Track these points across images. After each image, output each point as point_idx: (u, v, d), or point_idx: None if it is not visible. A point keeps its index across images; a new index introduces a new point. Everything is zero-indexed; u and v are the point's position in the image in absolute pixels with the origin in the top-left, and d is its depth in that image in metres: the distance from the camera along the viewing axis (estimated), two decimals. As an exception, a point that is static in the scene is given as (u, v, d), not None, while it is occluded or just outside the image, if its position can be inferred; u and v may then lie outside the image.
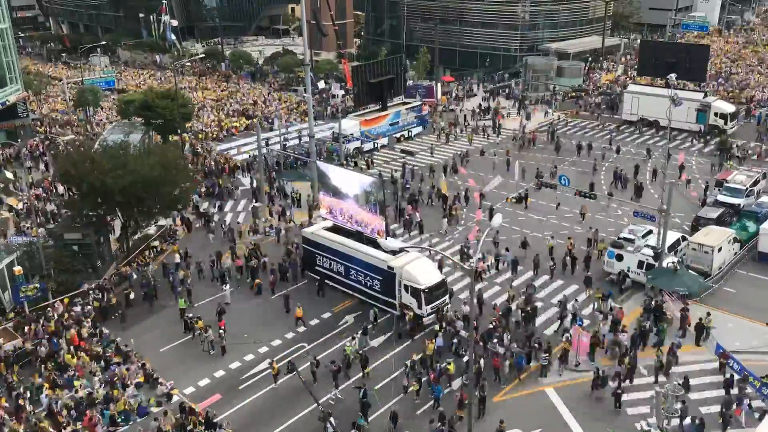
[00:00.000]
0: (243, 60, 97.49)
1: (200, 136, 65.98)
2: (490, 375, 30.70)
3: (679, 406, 24.39)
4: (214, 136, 67.13)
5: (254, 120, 68.31)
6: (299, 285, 39.66)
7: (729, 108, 62.77)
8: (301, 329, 35.21)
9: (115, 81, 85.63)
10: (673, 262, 36.42)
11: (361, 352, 32.17)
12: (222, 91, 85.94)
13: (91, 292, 37.90)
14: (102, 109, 77.35)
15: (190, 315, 35.65)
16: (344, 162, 55.86)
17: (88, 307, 36.68)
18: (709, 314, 33.87)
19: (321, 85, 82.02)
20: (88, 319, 35.59)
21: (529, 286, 37.62)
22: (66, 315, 35.68)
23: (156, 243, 44.45)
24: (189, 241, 45.31)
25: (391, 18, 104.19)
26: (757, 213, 43.15)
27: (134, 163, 39.88)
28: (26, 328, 34.24)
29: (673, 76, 47.04)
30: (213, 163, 58.05)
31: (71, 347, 33.20)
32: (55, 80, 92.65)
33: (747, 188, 46.57)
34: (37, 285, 35.20)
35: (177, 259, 41.49)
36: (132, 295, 37.85)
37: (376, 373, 31.66)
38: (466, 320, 33.41)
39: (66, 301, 36.72)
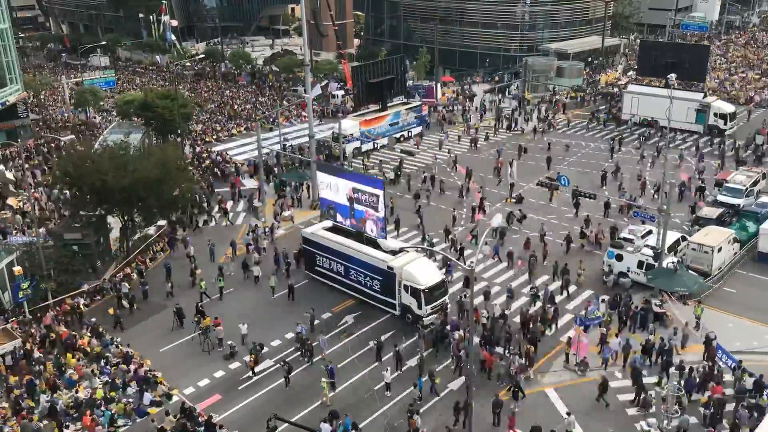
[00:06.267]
0: (243, 60, 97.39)
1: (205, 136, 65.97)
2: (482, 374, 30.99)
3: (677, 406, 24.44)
4: (215, 137, 67.24)
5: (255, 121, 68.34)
6: (299, 285, 39.72)
7: (729, 108, 62.78)
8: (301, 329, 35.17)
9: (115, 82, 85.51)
10: (672, 263, 36.43)
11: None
12: (213, 102, 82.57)
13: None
14: (103, 111, 77.26)
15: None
16: (344, 163, 55.93)
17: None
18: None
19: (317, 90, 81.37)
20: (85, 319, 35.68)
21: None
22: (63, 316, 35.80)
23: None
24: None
25: (391, 18, 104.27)
26: (757, 213, 43.17)
27: (134, 163, 39.91)
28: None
29: (673, 76, 47.11)
30: (212, 164, 58.11)
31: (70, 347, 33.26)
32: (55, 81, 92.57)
33: (747, 188, 46.58)
34: (29, 282, 35.02)
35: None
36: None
37: (376, 372, 31.74)
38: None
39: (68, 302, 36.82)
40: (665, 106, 56.53)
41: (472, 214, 47.58)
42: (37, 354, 32.90)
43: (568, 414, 27.80)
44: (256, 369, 32.14)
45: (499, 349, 32.61)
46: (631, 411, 28.90)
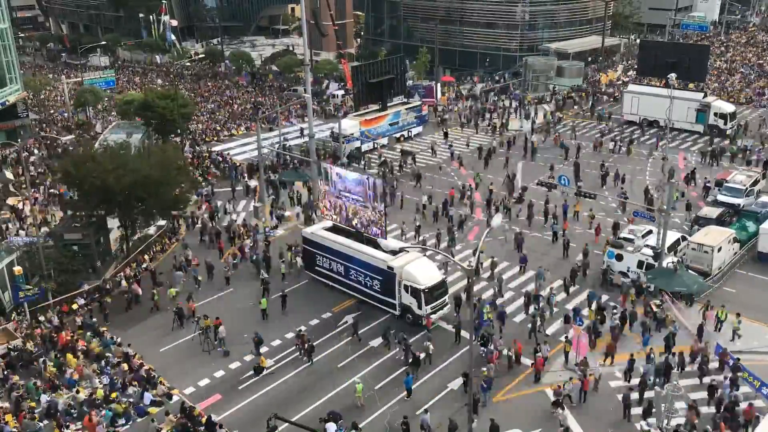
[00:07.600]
0: (243, 60, 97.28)
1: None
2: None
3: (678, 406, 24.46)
4: (215, 137, 67.24)
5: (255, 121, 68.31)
6: (299, 285, 39.70)
7: (729, 108, 62.75)
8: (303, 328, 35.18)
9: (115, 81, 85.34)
10: (672, 262, 36.42)
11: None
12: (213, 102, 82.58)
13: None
14: (104, 112, 77.17)
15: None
16: (345, 162, 55.91)
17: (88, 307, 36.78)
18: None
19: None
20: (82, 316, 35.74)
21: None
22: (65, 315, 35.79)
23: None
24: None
25: (391, 18, 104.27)
26: (757, 213, 43.16)
27: (135, 163, 39.91)
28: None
29: (673, 75, 47.21)
30: (212, 163, 58.08)
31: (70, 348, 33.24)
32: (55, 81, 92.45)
33: (747, 188, 46.57)
34: (36, 289, 35.02)
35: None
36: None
37: (377, 372, 31.82)
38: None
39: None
40: (665, 106, 56.79)
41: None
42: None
43: (562, 409, 27.83)
44: (256, 366, 32.24)
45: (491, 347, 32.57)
46: (631, 411, 28.87)
